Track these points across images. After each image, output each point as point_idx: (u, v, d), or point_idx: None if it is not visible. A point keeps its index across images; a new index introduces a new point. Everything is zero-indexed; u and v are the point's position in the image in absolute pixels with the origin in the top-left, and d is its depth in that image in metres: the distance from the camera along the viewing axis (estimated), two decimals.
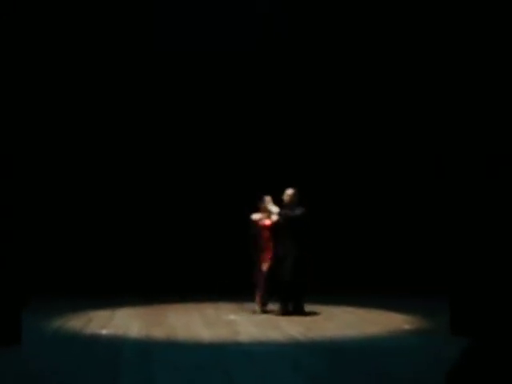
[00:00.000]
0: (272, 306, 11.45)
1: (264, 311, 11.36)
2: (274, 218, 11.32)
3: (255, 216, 11.48)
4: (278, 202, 11.37)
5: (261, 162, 14.50)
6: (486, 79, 9.30)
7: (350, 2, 14.83)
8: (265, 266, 11.30)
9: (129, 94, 14.56)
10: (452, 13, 9.80)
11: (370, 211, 14.73)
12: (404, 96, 14.66)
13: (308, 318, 10.99)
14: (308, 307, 11.64)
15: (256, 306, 11.48)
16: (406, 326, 10.22)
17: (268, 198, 11.49)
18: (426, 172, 14.29)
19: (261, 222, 11.40)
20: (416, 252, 14.25)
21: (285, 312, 11.12)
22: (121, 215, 14.49)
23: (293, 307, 11.24)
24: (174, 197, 14.63)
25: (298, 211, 11.17)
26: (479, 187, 9.29)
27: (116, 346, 8.87)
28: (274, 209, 11.34)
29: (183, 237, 14.42)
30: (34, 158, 12.64)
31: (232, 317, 11.12)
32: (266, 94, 14.72)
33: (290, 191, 11.40)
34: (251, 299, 11.94)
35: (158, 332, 9.75)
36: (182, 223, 14.51)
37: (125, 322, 10.62)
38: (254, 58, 14.62)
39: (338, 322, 10.64)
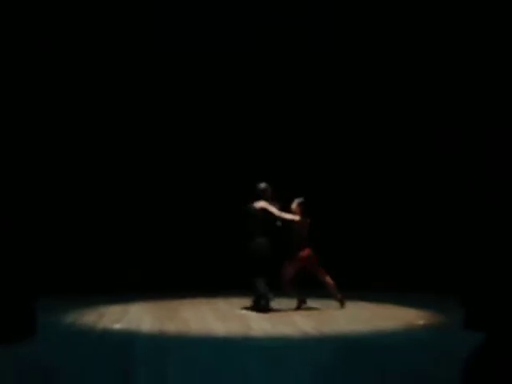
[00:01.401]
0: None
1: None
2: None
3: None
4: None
5: (263, 160, 14.48)
6: (487, 82, 9.29)
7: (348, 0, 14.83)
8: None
9: (129, 94, 14.54)
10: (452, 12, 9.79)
11: (384, 206, 14.67)
12: (403, 94, 14.61)
13: (321, 313, 10.98)
14: (321, 302, 11.64)
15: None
16: (420, 321, 10.20)
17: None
18: (439, 168, 14.23)
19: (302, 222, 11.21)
20: (430, 247, 14.19)
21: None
22: (132, 210, 14.50)
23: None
24: (185, 190, 14.63)
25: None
26: (490, 184, 9.27)
27: (129, 340, 8.88)
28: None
29: (195, 231, 14.42)
30: (37, 156, 12.64)
31: (244, 311, 11.13)
32: (265, 94, 14.71)
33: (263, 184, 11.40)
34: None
35: (171, 326, 9.76)
36: (193, 217, 14.50)
37: (137, 317, 10.64)
38: (254, 57, 14.62)
39: (351, 317, 10.62)
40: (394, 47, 14.56)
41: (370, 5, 14.67)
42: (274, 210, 11.11)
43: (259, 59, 14.67)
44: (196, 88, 14.67)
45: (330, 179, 14.49)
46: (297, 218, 11.12)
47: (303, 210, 11.22)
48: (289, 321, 10.22)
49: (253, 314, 10.84)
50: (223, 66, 14.68)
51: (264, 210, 11.13)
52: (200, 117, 14.72)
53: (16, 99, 9.14)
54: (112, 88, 14.40)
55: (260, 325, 9.84)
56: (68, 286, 13.37)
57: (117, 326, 9.80)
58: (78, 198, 14.31)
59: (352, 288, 12.68)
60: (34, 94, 12.22)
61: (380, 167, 14.79)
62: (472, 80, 9.43)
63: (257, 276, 11.01)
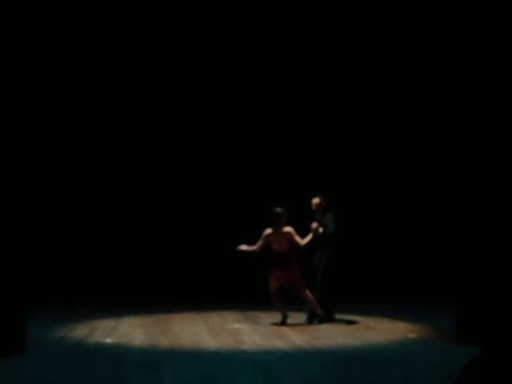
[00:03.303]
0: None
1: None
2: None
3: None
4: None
5: (265, 172, 14.52)
6: (488, 98, 9.31)
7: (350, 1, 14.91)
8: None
9: (129, 101, 14.59)
10: (452, 17, 9.81)
11: (374, 219, 14.68)
12: (403, 116, 14.66)
13: (313, 327, 10.96)
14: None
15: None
16: (411, 335, 10.19)
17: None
18: (430, 182, 14.26)
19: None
20: (422, 260, 14.20)
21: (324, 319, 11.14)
22: (124, 224, 14.49)
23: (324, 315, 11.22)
24: (178, 204, 14.64)
25: (329, 223, 11.17)
26: (484, 196, 9.27)
27: (120, 354, 8.87)
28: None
29: (188, 245, 14.41)
30: (34, 171, 12.60)
31: (237, 325, 11.09)
32: (269, 97, 14.76)
33: (316, 200, 11.39)
34: (256, 308, 11.93)
35: (163, 341, 9.74)
36: (186, 231, 14.50)
37: (129, 331, 10.61)
38: (255, 57, 14.73)
39: (343, 331, 10.60)
40: (394, 47, 14.61)
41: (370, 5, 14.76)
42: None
43: (259, 58, 14.76)
44: (197, 92, 14.73)
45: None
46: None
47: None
48: (281, 335, 10.20)
49: (246, 328, 10.82)
50: (224, 64, 14.76)
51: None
52: (205, 126, 14.75)
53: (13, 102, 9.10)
54: (112, 92, 14.45)
55: (252, 339, 9.82)
56: (60, 299, 13.34)
57: (108, 341, 9.78)
58: (69, 212, 14.30)
59: (344, 301, 12.65)
60: (34, 95, 12.19)
61: (372, 183, 14.81)
62: (472, 80, 9.43)
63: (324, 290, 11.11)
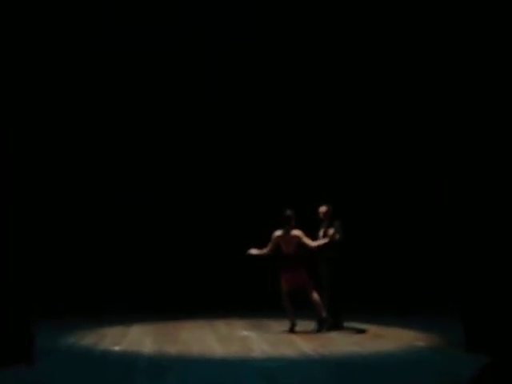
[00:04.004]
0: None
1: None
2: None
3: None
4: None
5: (266, 172, 14.54)
6: (489, 103, 9.34)
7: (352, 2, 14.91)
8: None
9: (129, 101, 14.58)
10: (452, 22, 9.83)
11: (382, 227, 14.65)
12: (403, 118, 14.67)
13: (321, 335, 10.97)
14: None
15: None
16: (419, 343, 10.21)
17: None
18: (435, 190, 14.26)
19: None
20: (429, 267, 14.20)
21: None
22: (124, 225, 14.48)
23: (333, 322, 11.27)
24: (178, 205, 14.64)
25: (338, 230, 11.23)
26: (488, 200, 9.31)
27: (129, 362, 8.90)
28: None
29: (196, 253, 14.37)
30: (34, 171, 12.57)
31: (245, 333, 11.11)
32: (269, 97, 14.76)
33: (323, 209, 11.42)
34: (264, 316, 11.92)
35: (171, 348, 9.77)
36: (194, 240, 14.47)
37: (138, 339, 10.63)
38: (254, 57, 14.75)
39: (351, 339, 10.63)
40: (394, 48, 14.62)
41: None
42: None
43: (259, 58, 14.77)
44: (200, 96, 14.73)
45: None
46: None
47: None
48: (289, 342, 10.22)
49: (254, 336, 10.83)
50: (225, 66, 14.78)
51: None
52: (212, 135, 14.75)
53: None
54: (112, 92, 14.44)
55: (260, 347, 9.85)
56: (68, 307, 13.33)
57: (117, 348, 9.81)
58: (69, 212, 14.28)
59: (352, 309, 12.71)
60: (31, 98, 12.15)
61: (371, 188, 14.80)
62: (472, 80, 9.46)
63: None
